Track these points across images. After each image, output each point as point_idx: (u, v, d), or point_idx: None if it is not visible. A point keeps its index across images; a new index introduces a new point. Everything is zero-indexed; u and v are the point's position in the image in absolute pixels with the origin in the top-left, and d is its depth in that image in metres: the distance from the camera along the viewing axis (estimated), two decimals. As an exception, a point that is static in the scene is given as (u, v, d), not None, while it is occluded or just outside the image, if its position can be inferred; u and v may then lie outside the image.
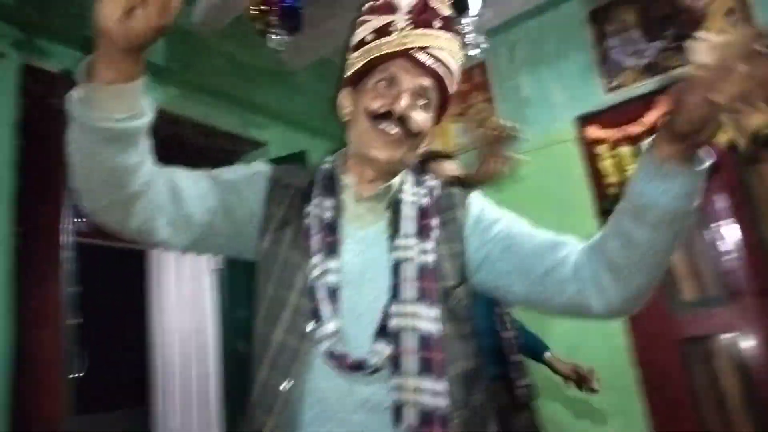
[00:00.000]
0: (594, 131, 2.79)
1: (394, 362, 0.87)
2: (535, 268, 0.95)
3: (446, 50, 0.99)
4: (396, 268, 0.93)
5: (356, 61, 1.00)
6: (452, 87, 1.03)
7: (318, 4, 3.05)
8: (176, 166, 0.95)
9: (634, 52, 2.79)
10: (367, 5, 1.03)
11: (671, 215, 0.82)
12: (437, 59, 0.97)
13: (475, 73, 3.31)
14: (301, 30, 2.45)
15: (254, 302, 1.01)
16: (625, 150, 2.70)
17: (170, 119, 2.56)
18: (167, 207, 0.89)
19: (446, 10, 1.01)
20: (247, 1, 2.37)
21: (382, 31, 0.97)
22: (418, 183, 1.05)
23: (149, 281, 3.96)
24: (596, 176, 2.80)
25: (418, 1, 0.98)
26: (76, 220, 2.19)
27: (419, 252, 0.94)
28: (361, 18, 1.03)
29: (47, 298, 2.01)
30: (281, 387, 0.88)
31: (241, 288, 2.74)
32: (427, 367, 0.87)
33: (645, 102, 2.68)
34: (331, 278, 0.91)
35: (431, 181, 1.07)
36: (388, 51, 0.96)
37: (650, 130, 2.64)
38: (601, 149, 2.77)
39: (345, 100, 1.05)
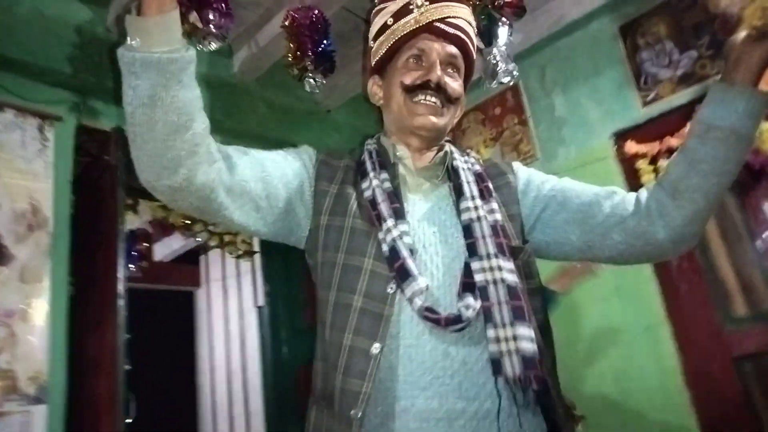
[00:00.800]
0: (633, 146, 2.74)
1: (487, 315, 0.89)
2: (595, 214, 1.02)
3: (462, 18, 1.05)
4: (468, 228, 0.97)
5: (381, 45, 1.05)
6: (473, 53, 1.09)
7: (348, 45, 3.15)
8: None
9: (669, 64, 2.75)
10: None
11: (736, 135, 0.93)
12: (457, 27, 1.04)
13: (508, 96, 3.32)
14: (334, 71, 2.54)
15: (313, 274, 1.01)
16: (665, 163, 2.64)
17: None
18: (224, 173, 0.88)
19: None
20: (283, 49, 2.48)
21: (402, 13, 1.03)
22: (462, 153, 1.11)
23: (197, 321, 4.08)
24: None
25: None
26: (129, 267, 2.30)
27: (488, 211, 0.98)
28: (378, 7, 1.09)
29: (102, 345, 2.11)
30: (371, 350, 0.87)
31: (282, 324, 2.79)
32: (520, 315, 0.89)
33: (684, 112, 2.63)
34: (407, 240, 0.93)
35: (472, 154, 1.13)
36: (413, 28, 1.01)
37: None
38: (641, 164, 2.71)
39: (375, 87, 1.11)
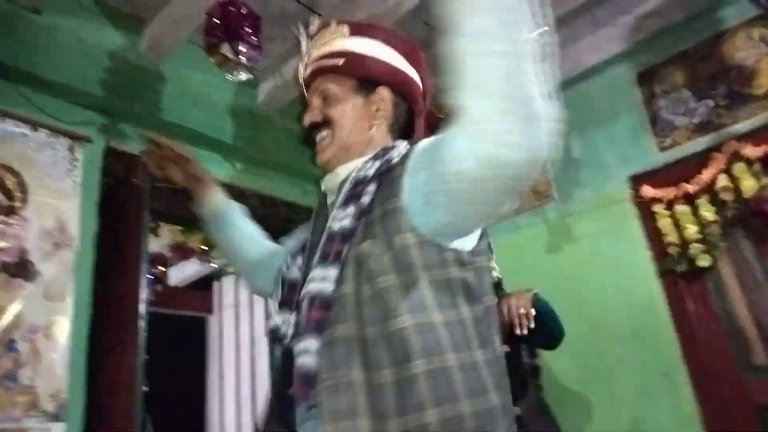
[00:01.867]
0: (649, 190, 2.77)
1: (296, 330, 0.90)
2: None
3: (319, 46, 1.12)
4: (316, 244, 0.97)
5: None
6: (345, 53, 1.08)
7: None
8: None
9: (685, 111, 2.80)
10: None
11: None
12: (311, 57, 1.11)
13: (525, 138, 3.38)
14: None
15: None
16: (682, 208, 2.67)
17: (236, 192, 2.72)
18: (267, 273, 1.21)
19: (318, 25, 1.16)
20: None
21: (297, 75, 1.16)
22: (377, 157, 1.00)
23: (209, 347, 4.08)
24: (654, 236, 2.76)
25: (307, 42, 1.16)
26: (150, 289, 2.33)
27: (341, 219, 0.93)
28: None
29: (121, 365, 2.11)
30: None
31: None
32: (316, 326, 0.86)
33: (700, 160, 2.67)
34: (294, 274, 1.03)
35: (401, 149, 1.00)
36: (302, 82, 1.15)
37: (706, 188, 2.61)
38: (658, 208, 2.74)
39: None
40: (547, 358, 2.42)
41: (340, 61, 1.08)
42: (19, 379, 1.90)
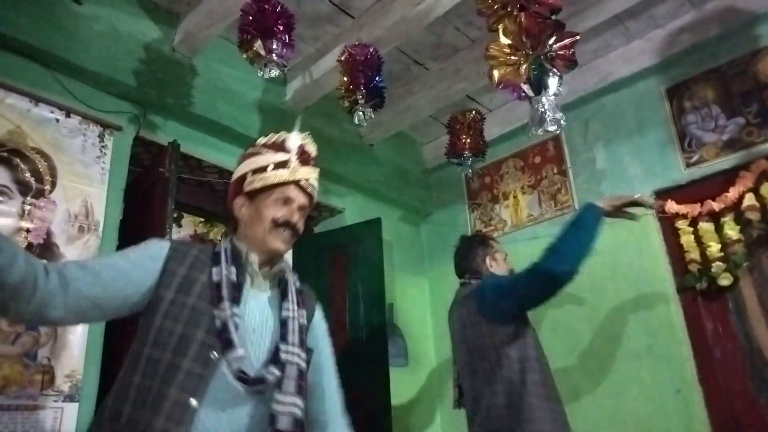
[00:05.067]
0: (673, 206, 2.74)
1: (280, 383, 1.25)
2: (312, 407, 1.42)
3: (315, 179, 1.45)
4: (284, 321, 1.33)
5: (258, 181, 1.39)
6: (314, 201, 1.49)
7: (396, 84, 3.25)
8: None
9: (715, 128, 2.76)
10: (260, 143, 1.45)
11: None
12: (313, 186, 1.44)
13: (549, 146, 3.36)
14: (383, 107, 2.62)
15: (141, 331, 1.25)
16: (706, 226, 2.63)
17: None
18: (52, 296, 1.13)
19: (315, 150, 1.47)
20: (336, 82, 2.58)
21: (280, 165, 1.39)
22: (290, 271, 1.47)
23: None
24: (676, 251, 2.73)
25: (300, 147, 1.42)
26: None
27: (299, 315, 1.37)
28: (255, 150, 1.44)
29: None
30: (190, 403, 1.16)
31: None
32: (300, 391, 1.28)
33: (727, 177, 2.63)
34: (237, 320, 1.25)
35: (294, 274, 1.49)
36: (287, 180, 1.39)
37: (732, 206, 2.57)
38: (681, 224, 2.71)
39: (243, 207, 1.41)
40: (558, 369, 2.40)
41: (315, 196, 1.48)
42: (38, 358, 1.95)
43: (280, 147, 1.42)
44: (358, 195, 3.52)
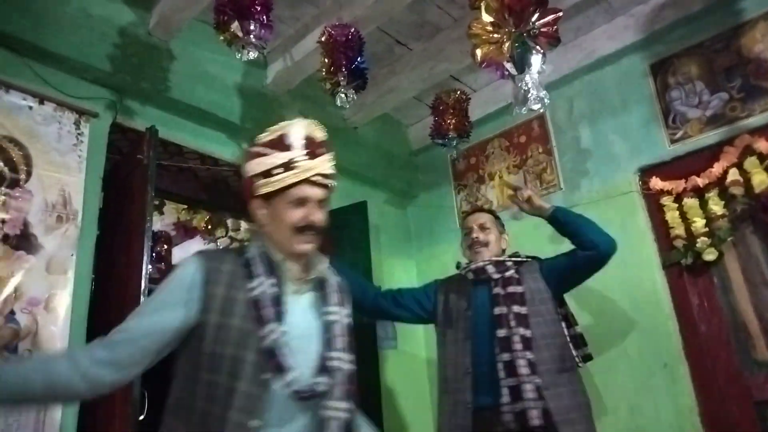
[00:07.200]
0: (658, 182, 2.74)
1: (330, 391, 1.26)
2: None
3: (329, 167, 1.35)
4: (328, 326, 1.32)
5: (266, 186, 1.30)
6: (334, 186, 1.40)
7: (379, 65, 3.20)
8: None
9: (699, 104, 2.76)
10: (261, 141, 1.35)
11: None
12: (327, 176, 1.34)
13: (534, 125, 3.34)
14: (365, 88, 2.58)
15: (186, 358, 1.25)
16: (690, 201, 2.64)
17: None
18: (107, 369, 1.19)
19: (323, 136, 1.36)
20: (317, 64, 2.53)
21: (287, 166, 1.29)
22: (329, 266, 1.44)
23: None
24: (661, 228, 2.74)
25: (307, 138, 1.32)
26: (153, 267, 2.31)
27: (343, 315, 1.36)
28: (257, 150, 1.33)
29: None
30: (251, 425, 1.17)
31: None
32: (349, 396, 1.30)
33: (711, 153, 2.63)
34: (285, 339, 1.23)
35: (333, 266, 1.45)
36: (297, 180, 1.29)
37: (716, 182, 2.58)
38: (666, 200, 2.71)
39: (260, 208, 1.35)
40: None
41: (333, 184, 1.38)
42: (18, 351, 1.91)
43: (282, 144, 1.31)
44: (344, 178, 3.45)
